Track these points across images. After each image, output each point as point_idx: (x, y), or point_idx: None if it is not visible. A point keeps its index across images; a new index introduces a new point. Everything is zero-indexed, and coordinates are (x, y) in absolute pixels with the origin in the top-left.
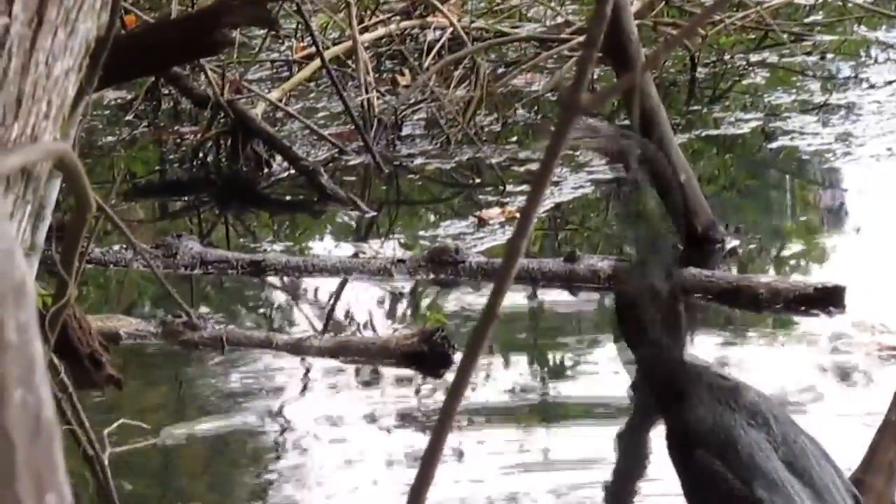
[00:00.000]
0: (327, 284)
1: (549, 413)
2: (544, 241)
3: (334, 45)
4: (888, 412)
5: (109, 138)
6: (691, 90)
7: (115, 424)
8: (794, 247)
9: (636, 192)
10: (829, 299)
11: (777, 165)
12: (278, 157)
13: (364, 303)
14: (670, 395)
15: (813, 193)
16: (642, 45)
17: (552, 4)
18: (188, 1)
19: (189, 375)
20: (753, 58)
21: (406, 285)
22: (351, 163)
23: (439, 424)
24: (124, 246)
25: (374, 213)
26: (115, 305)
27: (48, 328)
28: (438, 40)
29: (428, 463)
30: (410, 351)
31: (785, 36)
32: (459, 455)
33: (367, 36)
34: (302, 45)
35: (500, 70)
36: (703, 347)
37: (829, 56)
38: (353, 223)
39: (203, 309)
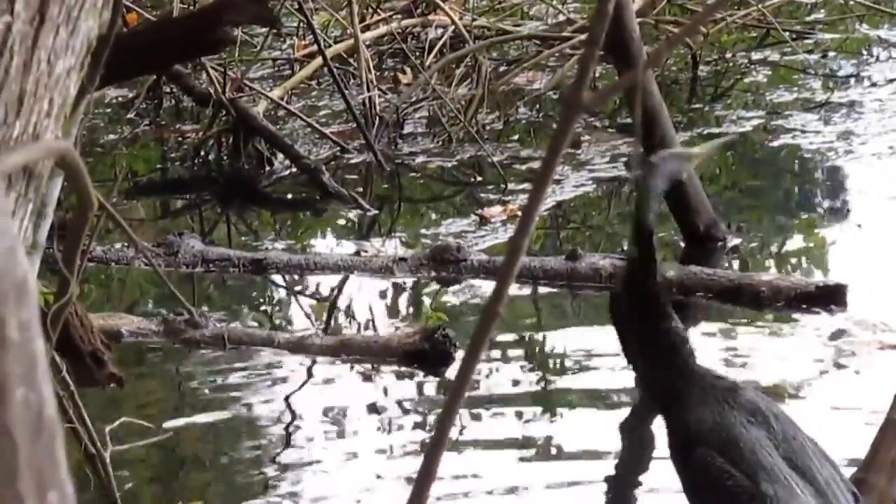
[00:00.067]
0: (329, 283)
1: (550, 405)
2: (546, 240)
3: (336, 43)
4: (890, 410)
5: (111, 136)
6: (693, 88)
7: (117, 423)
8: (796, 245)
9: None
10: (830, 297)
11: (779, 164)
12: (280, 156)
13: (365, 301)
14: (670, 396)
15: (814, 191)
16: (644, 43)
17: (554, 2)
18: None
19: (190, 373)
20: (755, 56)
21: (408, 283)
22: (352, 161)
23: (441, 421)
24: (126, 244)
25: (376, 212)
26: (117, 304)
27: (50, 326)
28: (440, 38)
29: (430, 460)
30: (412, 349)
31: (787, 34)
32: (459, 448)
33: (369, 34)
34: (304, 43)
35: (502, 68)
36: (704, 346)
37: (831, 54)
38: (354, 221)
39: (205, 307)
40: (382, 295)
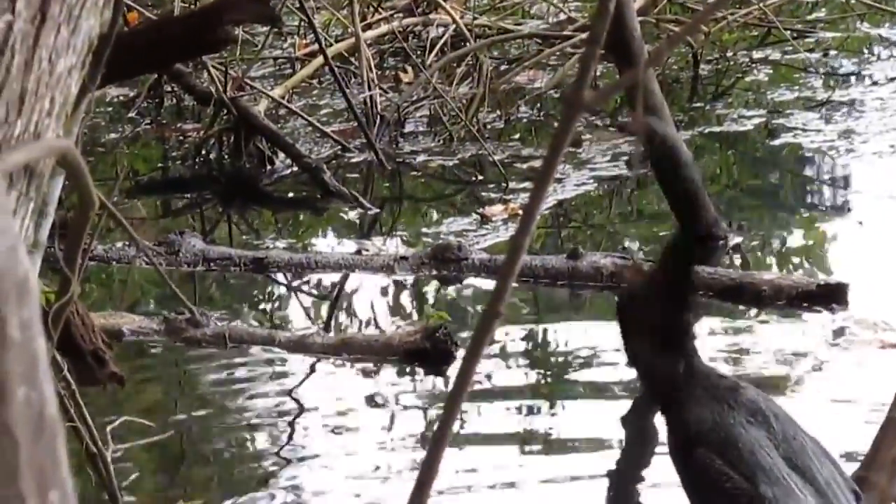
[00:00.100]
0: (330, 281)
1: (551, 400)
2: (547, 239)
3: (337, 42)
4: (891, 409)
5: (112, 135)
6: (694, 87)
7: (118, 421)
8: (797, 244)
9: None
10: (831, 296)
11: (780, 162)
12: (281, 155)
13: (367, 300)
14: (670, 395)
15: (815, 190)
16: (645, 41)
17: (555, 1)
18: None
19: (192, 371)
20: (756, 55)
21: (409, 282)
22: (354, 160)
23: (443, 419)
24: (127, 243)
25: (377, 210)
26: (118, 303)
27: (51, 325)
28: (441, 37)
29: (432, 457)
30: (413, 348)
31: (788, 33)
32: (460, 443)
33: (370, 33)
34: (305, 42)
35: (503, 67)
36: (705, 344)
37: (832, 53)
38: (355, 220)
39: (206, 306)
40: (383, 293)
